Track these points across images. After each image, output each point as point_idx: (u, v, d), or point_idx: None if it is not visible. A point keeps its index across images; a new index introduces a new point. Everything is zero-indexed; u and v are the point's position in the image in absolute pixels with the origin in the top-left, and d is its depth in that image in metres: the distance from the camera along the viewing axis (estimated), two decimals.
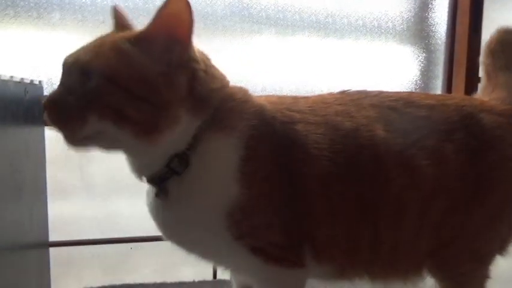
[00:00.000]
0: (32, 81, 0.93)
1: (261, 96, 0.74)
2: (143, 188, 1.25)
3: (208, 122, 0.66)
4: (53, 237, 1.12)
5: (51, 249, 1.11)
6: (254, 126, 0.67)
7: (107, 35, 0.67)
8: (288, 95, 0.76)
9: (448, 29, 1.48)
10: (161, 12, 0.61)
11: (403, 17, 1.43)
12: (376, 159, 0.71)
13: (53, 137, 1.13)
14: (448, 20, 1.47)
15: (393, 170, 0.71)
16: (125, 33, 0.65)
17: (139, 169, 0.70)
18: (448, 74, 1.48)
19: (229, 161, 0.66)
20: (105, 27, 1.18)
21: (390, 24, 1.42)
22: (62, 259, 1.18)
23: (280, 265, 0.70)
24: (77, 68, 0.61)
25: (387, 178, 0.71)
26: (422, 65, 1.48)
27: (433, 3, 1.46)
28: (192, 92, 0.64)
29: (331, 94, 0.78)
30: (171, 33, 0.61)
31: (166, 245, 1.28)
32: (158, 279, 1.20)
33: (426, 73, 1.49)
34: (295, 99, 0.75)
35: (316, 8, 1.34)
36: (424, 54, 1.48)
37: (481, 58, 0.88)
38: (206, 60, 0.69)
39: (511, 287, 1.05)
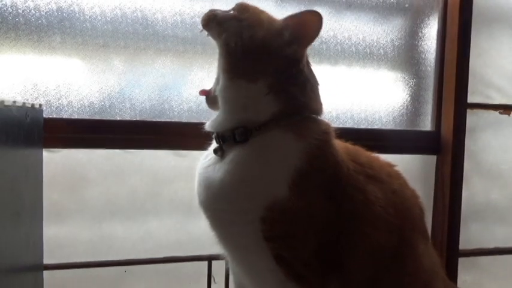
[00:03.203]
0: (33, 105, 0.94)
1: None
2: (137, 211, 1.26)
3: (286, 119, 0.75)
4: (47, 260, 1.11)
5: (45, 272, 1.10)
6: (321, 151, 0.75)
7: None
8: (349, 145, 0.85)
9: (437, 56, 1.52)
10: (301, 15, 0.77)
11: (394, 44, 1.48)
12: (422, 216, 0.85)
13: (48, 159, 1.14)
14: (437, 48, 1.52)
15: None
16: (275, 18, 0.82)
17: (218, 122, 0.80)
18: (438, 99, 1.52)
19: (287, 162, 0.72)
20: (105, 51, 1.22)
21: (382, 51, 1.46)
22: (57, 282, 1.17)
23: (298, 283, 0.72)
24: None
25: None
26: (412, 90, 1.52)
27: (423, 31, 1.51)
28: (288, 80, 0.76)
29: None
30: (298, 33, 0.76)
31: (160, 268, 1.28)
32: None
33: (417, 98, 1.52)
34: (356, 150, 0.85)
35: None
36: (414, 80, 1.52)
37: None
38: (314, 80, 0.82)
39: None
